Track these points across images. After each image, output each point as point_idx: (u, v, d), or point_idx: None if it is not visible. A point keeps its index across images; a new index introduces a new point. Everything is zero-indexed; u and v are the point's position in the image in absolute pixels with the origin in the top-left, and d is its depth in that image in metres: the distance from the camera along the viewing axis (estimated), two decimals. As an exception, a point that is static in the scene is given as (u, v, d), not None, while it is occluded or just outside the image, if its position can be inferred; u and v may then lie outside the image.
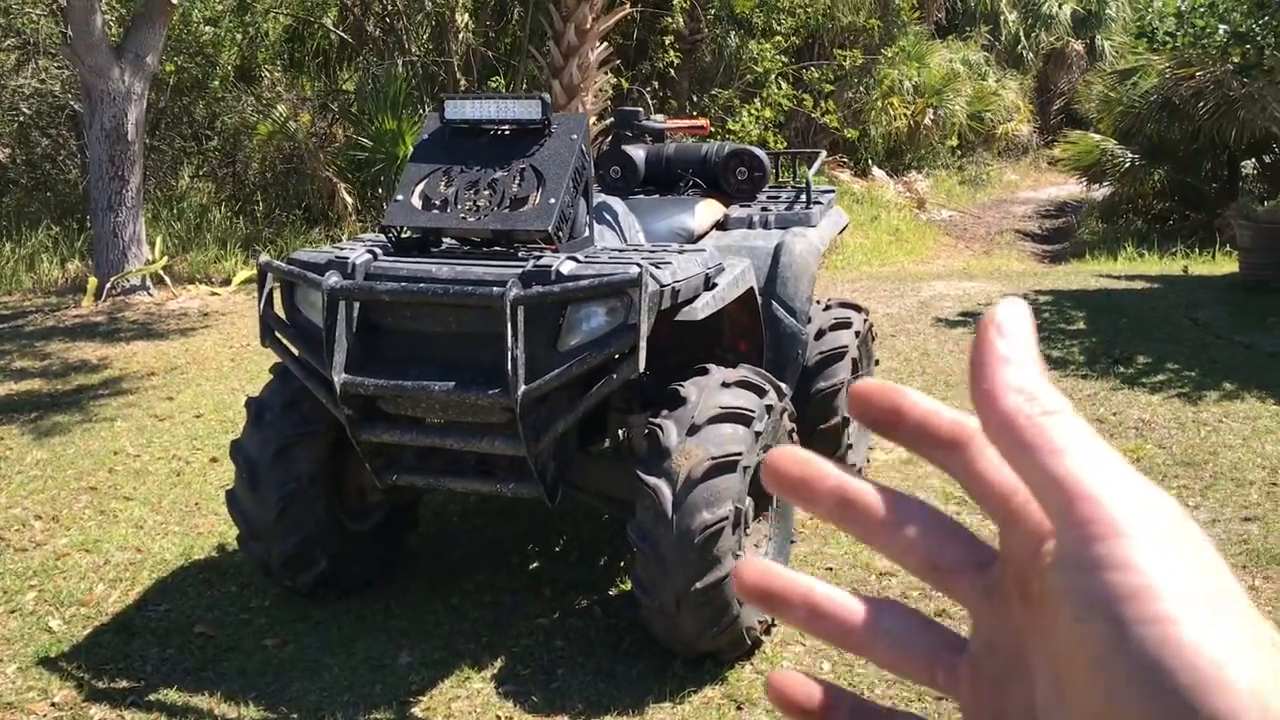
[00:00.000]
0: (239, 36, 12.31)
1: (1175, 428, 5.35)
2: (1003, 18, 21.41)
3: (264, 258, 3.33)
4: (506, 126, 3.32)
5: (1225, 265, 10.08)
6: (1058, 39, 21.93)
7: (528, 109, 3.28)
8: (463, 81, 11.99)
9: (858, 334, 4.46)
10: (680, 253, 3.28)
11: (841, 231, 4.87)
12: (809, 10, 13.70)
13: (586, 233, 3.35)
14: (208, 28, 11.79)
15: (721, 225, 4.29)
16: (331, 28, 13.22)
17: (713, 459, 3.02)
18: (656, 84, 13.34)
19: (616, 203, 3.92)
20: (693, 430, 3.07)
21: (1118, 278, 9.73)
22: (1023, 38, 21.66)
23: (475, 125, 3.34)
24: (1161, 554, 0.29)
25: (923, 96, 17.08)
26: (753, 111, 12.92)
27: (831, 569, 3.91)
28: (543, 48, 10.53)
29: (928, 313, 8.13)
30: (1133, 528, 0.29)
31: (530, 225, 3.13)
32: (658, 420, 3.13)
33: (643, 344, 2.87)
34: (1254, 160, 13.52)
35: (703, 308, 3.20)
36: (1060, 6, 21.56)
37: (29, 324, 8.21)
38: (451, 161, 3.29)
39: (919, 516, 0.37)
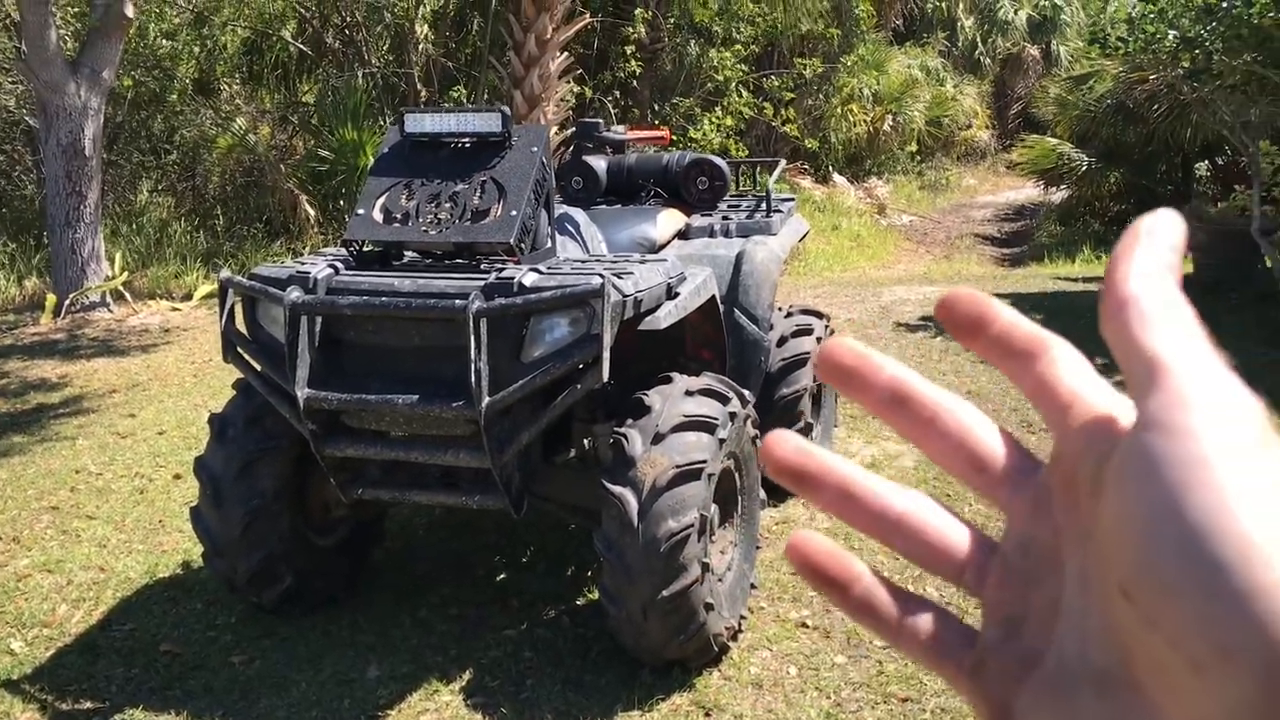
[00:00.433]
0: (197, 50, 12.23)
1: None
2: (960, 24, 21.65)
3: (225, 273, 3.32)
4: (467, 139, 3.33)
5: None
6: (1014, 44, 22.18)
7: (488, 122, 3.28)
8: (424, 92, 11.96)
9: (819, 340, 4.50)
10: (642, 262, 3.30)
11: (802, 239, 4.91)
12: (768, 19, 13.80)
13: (548, 244, 3.36)
14: (165, 41, 11.72)
15: (683, 234, 4.32)
16: (290, 40, 13.14)
17: (677, 467, 3.04)
18: (618, 93, 13.39)
19: (578, 214, 3.94)
20: (657, 439, 3.09)
21: (1075, 280, 9.86)
22: (980, 43, 21.91)
23: (436, 138, 3.35)
24: (1230, 433, 0.29)
25: (882, 103, 17.22)
26: (714, 120, 13.00)
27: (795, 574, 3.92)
28: (503, 58, 10.52)
29: (889, 317, 8.20)
30: (1209, 405, 0.29)
31: (492, 237, 3.14)
32: (622, 429, 3.15)
33: (606, 354, 2.89)
34: (1207, 162, 13.72)
35: (665, 317, 3.22)
36: (1016, 12, 21.82)
37: (-14, 342, 8.11)
38: (412, 175, 3.29)
39: (968, 418, 0.38)
